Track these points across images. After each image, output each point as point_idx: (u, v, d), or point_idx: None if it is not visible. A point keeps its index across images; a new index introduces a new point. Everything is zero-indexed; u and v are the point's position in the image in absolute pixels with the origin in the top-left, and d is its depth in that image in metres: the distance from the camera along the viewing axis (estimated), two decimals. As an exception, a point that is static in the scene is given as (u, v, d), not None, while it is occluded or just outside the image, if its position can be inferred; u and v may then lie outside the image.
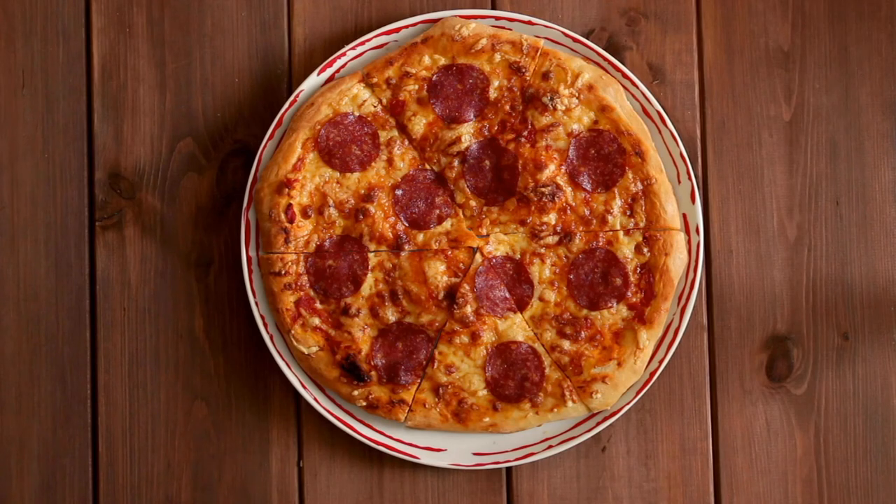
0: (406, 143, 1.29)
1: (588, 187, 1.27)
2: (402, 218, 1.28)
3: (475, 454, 1.29)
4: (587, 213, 1.26)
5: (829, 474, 1.30)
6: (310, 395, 1.28)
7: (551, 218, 1.26)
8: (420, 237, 1.28)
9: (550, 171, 1.26)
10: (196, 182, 1.32)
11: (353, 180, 1.28)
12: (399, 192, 1.28)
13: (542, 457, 1.28)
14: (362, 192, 1.28)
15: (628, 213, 1.26)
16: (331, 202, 1.27)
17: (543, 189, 1.26)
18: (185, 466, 1.30)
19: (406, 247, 1.28)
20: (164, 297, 1.31)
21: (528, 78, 1.28)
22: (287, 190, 1.26)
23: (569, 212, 1.27)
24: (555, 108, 1.26)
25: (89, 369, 1.31)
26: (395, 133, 1.29)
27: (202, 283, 1.31)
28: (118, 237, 1.32)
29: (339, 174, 1.28)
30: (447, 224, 1.28)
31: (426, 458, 1.28)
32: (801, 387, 1.31)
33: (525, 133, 1.27)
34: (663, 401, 1.30)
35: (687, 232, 1.28)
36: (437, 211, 1.28)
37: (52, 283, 1.31)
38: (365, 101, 1.29)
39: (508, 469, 1.30)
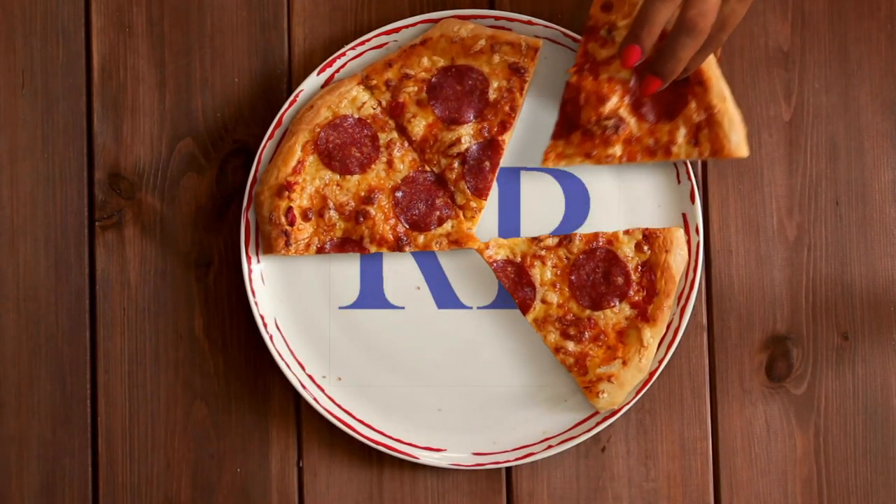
0: (406, 144, 1.29)
1: (651, 118, 1.26)
2: (403, 220, 1.28)
3: (475, 454, 1.29)
4: (652, 143, 1.25)
5: (828, 474, 1.30)
6: (309, 395, 1.28)
7: (616, 150, 1.25)
8: (420, 239, 1.28)
9: (613, 102, 1.25)
10: (196, 182, 1.32)
11: (353, 182, 1.28)
12: (399, 194, 1.28)
13: (541, 457, 1.28)
14: (362, 194, 1.28)
15: (693, 142, 1.24)
16: (331, 205, 1.28)
17: (607, 122, 1.24)
18: (185, 466, 1.31)
19: (406, 248, 1.28)
20: (164, 297, 1.31)
21: (527, 78, 1.28)
22: (287, 193, 1.26)
23: (633, 143, 1.25)
24: (614, 41, 1.25)
25: (89, 369, 1.31)
26: (395, 135, 1.29)
27: (202, 283, 1.31)
28: (118, 237, 1.32)
29: (339, 176, 1.28)
30: (447, 226, 1.29)
31: (426, 458, 1.28)
32: (800, 387, 1.31)
33: (586, 66, 1.26)
34: (663, 401, 1.30)
35: (687, 232, 1.28)
36: (438, 212, 1.28)
37: (52, 283, 1.31)
38: (364, 103, 1.29)
39: (508, 469, 1.31)
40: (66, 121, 1.33)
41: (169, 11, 1.33)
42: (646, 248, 1.27)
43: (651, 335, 1.26)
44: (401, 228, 1.28)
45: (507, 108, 1.28)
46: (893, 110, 1.32)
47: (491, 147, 1.28)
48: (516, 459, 1.28)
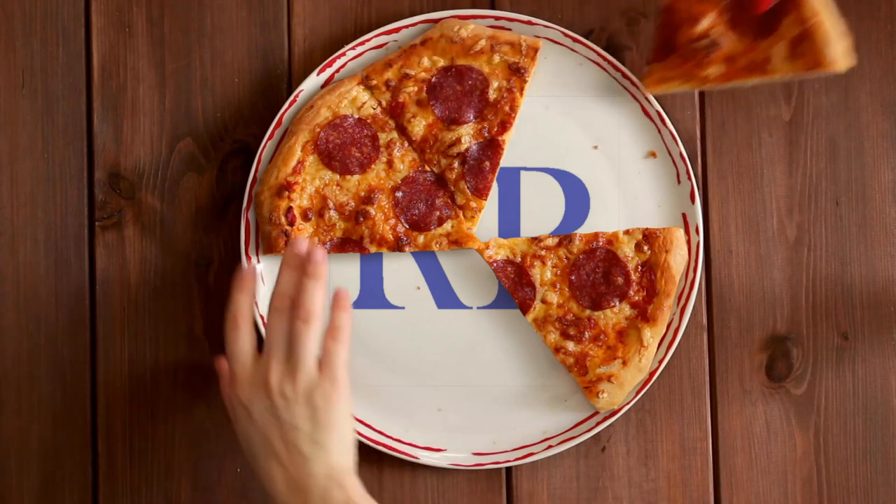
0: (405, 144, 1.28)
1: (748, 35, 1.22)
2: (403, 220, 1.28)
3: (475, 454, 1.29)
4: (748, 61, 1.22)
5: (828, 474, 1.30)
6: (310, 395, 1.28)
7: (713, 71, 1.23)
8: (420, 239, 1.28)
9: (708, 21, 1.22)
10: (196, 182, 1.32)
11: (353, 182, 1.28)
12: (399, 194, 1.28)
13: (541, 457, 1.28)
14: (362, 194, 1.28)
15: (790, 58, 1.20)
16: (331, 205, 1.28)
17: (702, 41, 1.22)
18: (185, 466, 1.30)
19: (406, 248, 1.28)
20: (164, 297, 1.31)
21: (527, 78, 1.28)
22: (287, 193, 1.26)
23: (730, 62, 1.22)
24: None
25: (89, 369, 1.31)
26: (395, 135, 1.29)
27: (202, 283, 1.31)
28: (118, 237, 1.32)
29: (338, 177, 1.28)
30: (447, 226, 1.29)
31: (426, 458, 1.28)
32: (800, 387, 1.31)
33: None
34: (663, 401, 1.30)
35: (687, 232, 1.28)
36: (438, 212, 1.28)
37: (52, 283, 1.31)
38: (364, 103, 1.29)
39: (508, 469, 1.31)
40: (66, 121, 1.33)
41: (169, 11, 1.33)
42: (646, 248, 1.27)
43: (651, 335, 1.26)
44: (401, 228, 1.28)
45: (507, 108, 1.28)
46: (893, 110, 1.32)
47: (491, 147, 1.28)
48: (516, 459, 1.28)
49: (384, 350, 1.30)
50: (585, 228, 1.30)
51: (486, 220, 1.30)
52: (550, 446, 1.28)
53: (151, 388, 1.31)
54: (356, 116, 1.29)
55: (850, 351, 1.31)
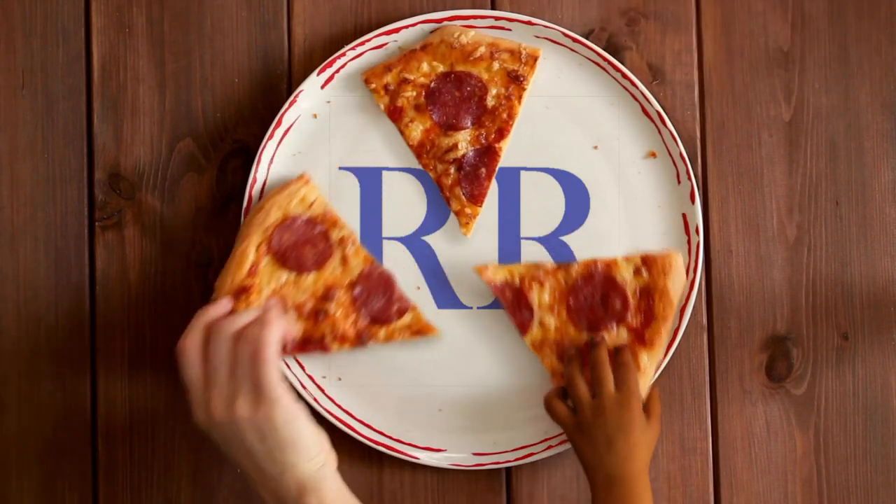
0: (357, 241, 1.28)
1: None
2: (363, 314, 1.27)
3: (475, 454, 1.29)
4: None
5: (829, 474, 1.30)
6: (309, 395, 1.28)
7: None
8: (382, 332, 1.28)
9: None
10: (196, 182, 1.32)
11: (309, 281, 1.27)
12: (357, 290, 1.27)
13: (542, 457, 1.28)
14: (320, 292, 1.27)
15: None
16: (289, 305, 1.27)
17: None
18: (185, 467, 1.31)
19: (369, 343, 1.27)
20: (164, 297, 1.31)
21: (525, 87, 1.28)
22: (244, 296, 1.25)
23: None
24: None
25: (89, 369, 1.31)
26: (346, 231, 1.27)
27: (202, 283, 1.31)
28: (118, 237, 1.32)
29: (294, 276, 1.27)
30: (407, 318, 1.28)
31: (425, 458, 1.28)
32: (800, 387, 1.31)
33: None
34: (663, 401, 1.30)
35: (687, 232, 1.28)
36: (397, 305, 1.28)
37: (52, 283, 1.31)
38: (313, 202, 1.27)
39: (508, 469, 1.31)
40: (66, 121, 1.33)
41: (169, 11, 1.33)
42: (644, 272, 1.27)
43: (648, 359, 1.26)
44: (361, 323, 1.27)
45: (504, 116, 1.28)
46: (893, 110, 1.32)
47: (488, 154, 1.28)
48: (516, 459, 1.28)
49: (384, 350, 1.30)
50: (585, 229, 1.29)
51: (486, 219, 1.30)
52: (550, 446, 1.28)
53: (151, 388, 1.31)
54: (306, 216, 1.28)
55: (850, 351, 1.31)
